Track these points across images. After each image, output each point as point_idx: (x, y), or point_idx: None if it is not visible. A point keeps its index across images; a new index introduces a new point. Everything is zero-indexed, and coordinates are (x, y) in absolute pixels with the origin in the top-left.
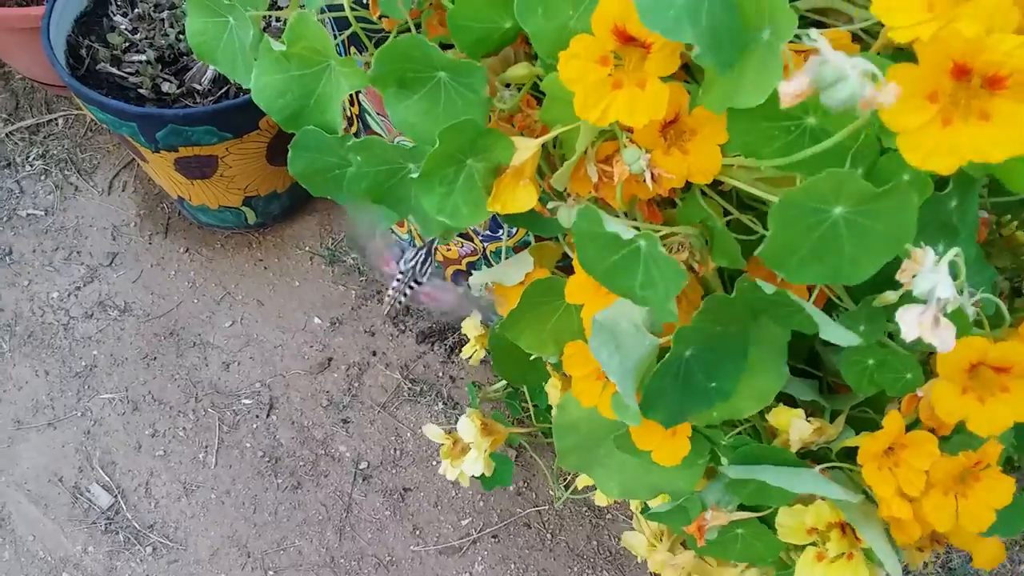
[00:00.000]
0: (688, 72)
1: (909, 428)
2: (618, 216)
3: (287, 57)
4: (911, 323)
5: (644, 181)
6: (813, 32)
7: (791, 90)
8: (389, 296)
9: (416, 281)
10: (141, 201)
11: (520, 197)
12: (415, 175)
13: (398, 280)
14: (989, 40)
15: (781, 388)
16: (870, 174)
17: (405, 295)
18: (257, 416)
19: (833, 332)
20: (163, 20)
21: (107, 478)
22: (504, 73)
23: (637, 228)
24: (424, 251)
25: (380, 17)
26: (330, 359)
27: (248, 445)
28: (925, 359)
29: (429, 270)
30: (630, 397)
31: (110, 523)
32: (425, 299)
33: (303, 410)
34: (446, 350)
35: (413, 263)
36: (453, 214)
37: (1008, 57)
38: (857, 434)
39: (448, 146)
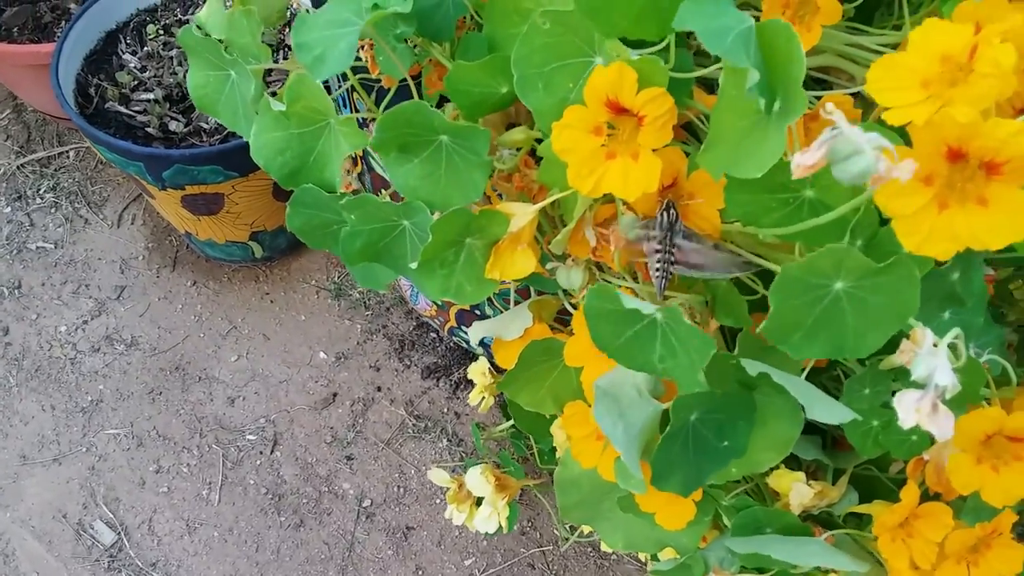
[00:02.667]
0: (690, 132)
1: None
2: (619, 277)
3: (287, 116)
4: (908, 409)
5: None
6: (829, 105)
7: (805, 162)
8: (657, 271)
9: (675, 245)
10: (150, 234)
11: (519, 262)
12: (413, 265)
13: (658, 250)
14: (984, 126)
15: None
16: (870, 246)
17: (672, 263)
18: (261, 452)
19: (822, 411)
20: (172, 58)
21: (111, 515)
22: (502, 137)
23: (648, 300)
24: (673, 209)
25: (379, 75)
26: (335, 394)
27: (251, 482)
28: None
29: (681, 227)
30: (635, 466)
31: (113, 560)
32: (685, 264)
33: (307, 446)
34: (451, 385)
35: (667, 222)
36: (458, 293)
37: (1004, 144)
38: (861, 494)
39: (442, 236)
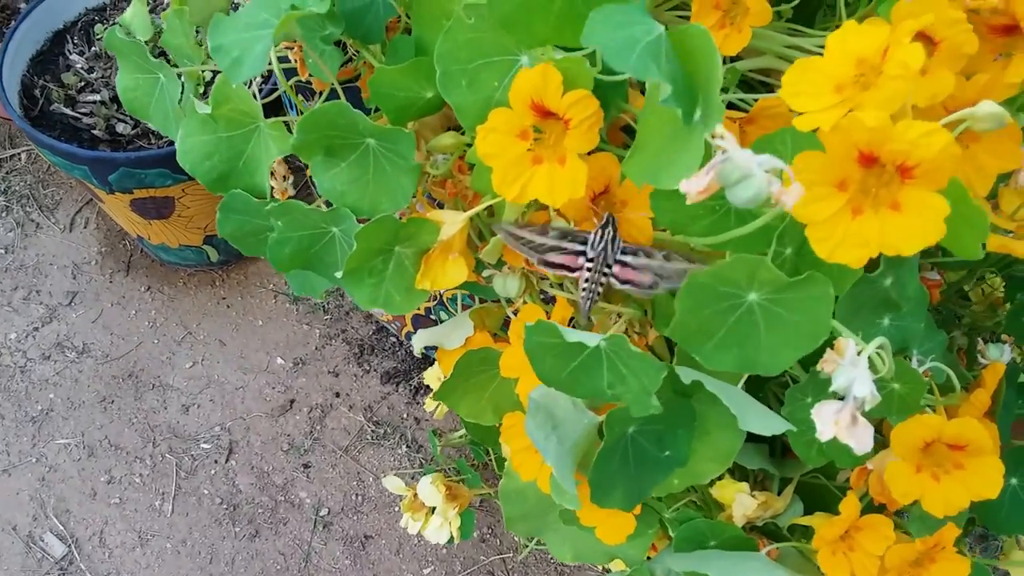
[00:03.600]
0: (630, 135)
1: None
2: (557, 286)
3: (214, 118)
4: (827, 421)
5: None
6: (719, 129)
7: (694, 189)
8: (584, 293)
9: (608, 265)
10: (103, 238)
11: (450, 272)
12: (339, 274)
13: (589, 271)
14: (894, 129)
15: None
16: (799, 253)
17: (602, 284)
18: (216, 461)
19: (757, 421)
20: None
21: (61, 527)
22: (432, 143)
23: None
24: (610, 227)
25: (309, 78)
26: (292, 401)
27: (206, 492)
28: (877, 426)
29: (620, 245)
30: (568, 482)
31: (63, 573)
32: (620, 283)
33: (263, 454)
34: (411, 390)
35: (603, 244)
36: (387, 303)
37: (914, 146)
38: (809, 502)
39: (368, 243)
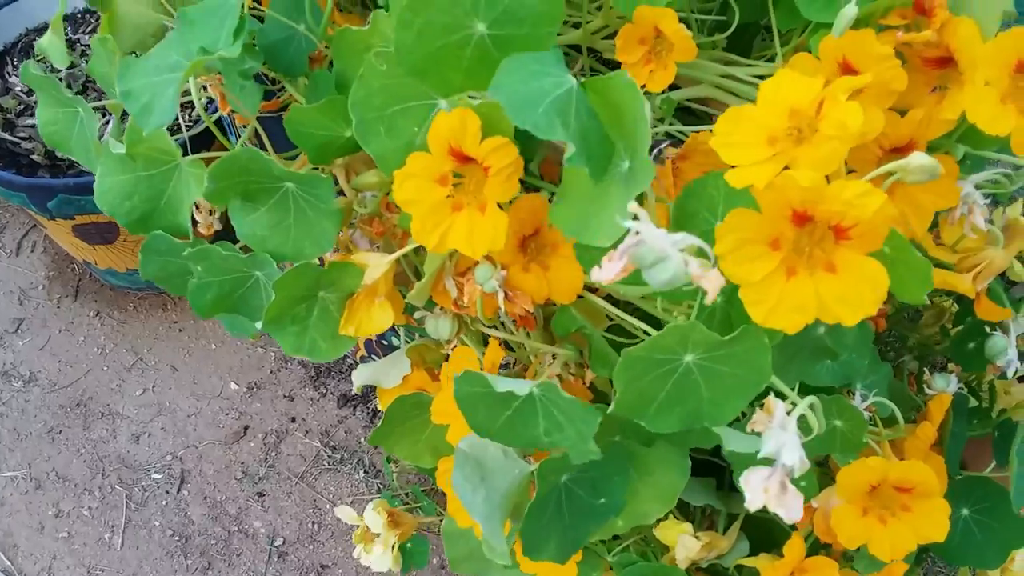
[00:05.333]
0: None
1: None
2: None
3: (132, 157)
4: (755, 489)
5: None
6: (632, 207)
7: (607, 276)
8: None
9: None
10: (51, 262)
11: (376, 316)
12: (259, 325)
13: None
14: (828, 189)
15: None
16: (730, 302)
17: None
18: (167, 492)
19: (737, 441)
20: (60, 79)
21: (8, 563)
22: (355, 181)
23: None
24: None
25: (231, 113)
26: (247, 427)
27: (157, 524)
28: (823, 461)
29: None
30: (498, 538)
31: None
32: None
33: (216, 483)
34: (368, 414)
35: None
36: (312, 351)
37: (849, 207)
38: (758, 540)
39: (288, 292)
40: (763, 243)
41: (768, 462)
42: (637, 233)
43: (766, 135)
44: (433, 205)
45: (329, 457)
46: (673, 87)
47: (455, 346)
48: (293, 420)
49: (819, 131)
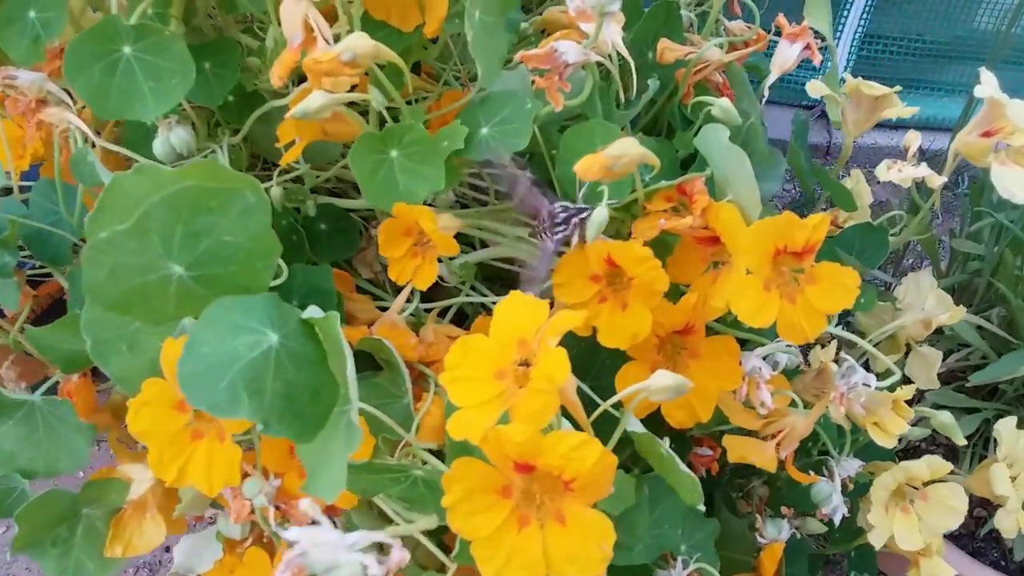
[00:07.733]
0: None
1: None
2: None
3: None
4: None
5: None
6: (292, 532)
7: None
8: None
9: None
10: None
11: (148, 532)
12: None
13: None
14: (545, 441)
15: None
16: None
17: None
18: None
19: None
20: None
21: None
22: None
23: None
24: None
25: None
26: None
27: None
28: None
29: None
30: None
31: None
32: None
33: None
34: None
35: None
36: (77, 573)
37: (568, 461)
38: None
39: (37, 521)
40: (493, 492)
41: None
42: (297, 543)
43: (494, 368)
44: (172, 435)
45: None
46: (481, 246)
47: (249, 544)
48: None
49: (531, 383)
